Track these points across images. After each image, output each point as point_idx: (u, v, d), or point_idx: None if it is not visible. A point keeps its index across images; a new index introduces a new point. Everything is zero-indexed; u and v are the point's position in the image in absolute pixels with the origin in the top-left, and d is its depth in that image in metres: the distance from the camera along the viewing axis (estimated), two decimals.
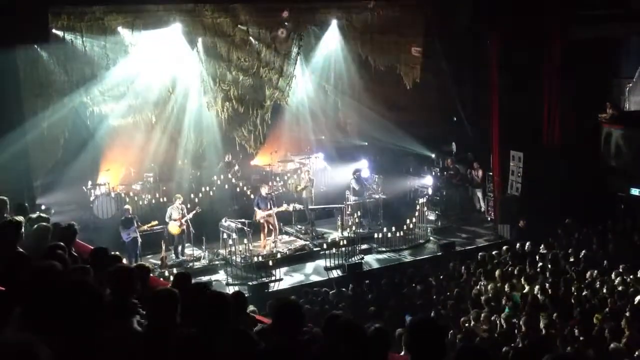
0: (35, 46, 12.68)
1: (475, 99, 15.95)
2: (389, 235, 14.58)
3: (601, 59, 15.43)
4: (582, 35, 14.80)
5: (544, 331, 8.74)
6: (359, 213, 15.24)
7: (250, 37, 14.44)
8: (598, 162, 15.88)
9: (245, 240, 13.47)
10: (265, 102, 15.25)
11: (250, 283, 12.52)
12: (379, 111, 17.56)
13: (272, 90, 15.04)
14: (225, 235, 13.82)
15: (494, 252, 13.09)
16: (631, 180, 15.21)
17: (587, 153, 15.70)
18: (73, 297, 3.31)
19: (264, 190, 14.57)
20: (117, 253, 6.72)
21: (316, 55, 16.11)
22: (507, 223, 15.35)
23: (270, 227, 14.58)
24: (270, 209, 14.35)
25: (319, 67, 16.54)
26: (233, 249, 13.44)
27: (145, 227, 13.78)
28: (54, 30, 12.23)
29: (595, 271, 10.96)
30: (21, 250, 5.39)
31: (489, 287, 10.88)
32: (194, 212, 14.06)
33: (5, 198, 7.73)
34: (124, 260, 6.76)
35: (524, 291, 10.53)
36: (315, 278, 13.28)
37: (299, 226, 15.86)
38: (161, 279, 10.94)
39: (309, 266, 13.90)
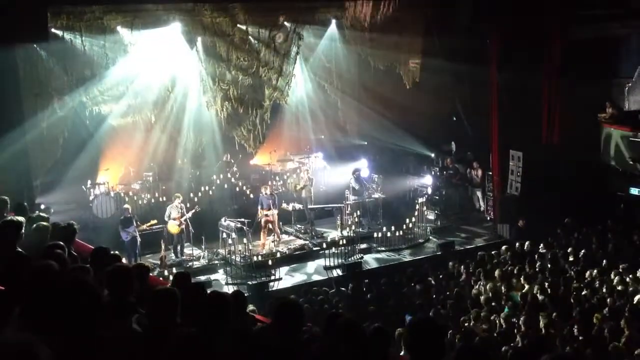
0: (35, 45, 12.66)
1: (474, 99, 15.93)
2: (389, 234, 14.59)
3: (601, 59, 15.42)
4: (582, 35, 14.80)
5: (543, 331, 8.74)
6: (358, 212, 15.25)
7: (250, 37, 14.43)
8: (597, 162, 15.88)
9: (245, 240, 13.46)
10: (265, 102, 15.24)
11: (249, 282, 12.52)
12: (378, 111, 17.56)
13: (272, 90, 15.03)
14: (224, 235, 13.83)
15: (493, 252, 13.09)
16: (630, 180, 15.21)
17: (587, 153, 15.70)
18: (73, 297, 3.31)
19: (265, 190, 14.60)
20: (117, 252, 6.72)
21: (316, 54, 16.10)
22: (507, 223, 15.36)
23: (270, 226, 14.60)
24: (270, 209, 14.38)
25: (318, 66, 16.54)
26: (232, 248, 13.44)
27: (144, 226, 13.78)
28: (53, 30, 12.20)
29: (595, 271, 10.97)
30: (21, 250, 5.39)
31: (488, 286, 10.89)
32: (193, 210, 14.07)
33: (5, 198, 7.73)
34: (124, 260, 6.76)
35: (524, 291, 10.54)
36: (314, 277, 13.29)
37: (299, 226, 15.86)
38: (160, 278, 10.95)
39: (309, 266, 13.91)
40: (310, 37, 15.21)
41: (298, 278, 13.29)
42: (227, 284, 12.74)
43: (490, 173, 16.41)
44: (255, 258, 13.24)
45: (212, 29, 13.99)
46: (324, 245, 14.16)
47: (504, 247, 13.15)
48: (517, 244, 13.27)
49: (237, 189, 16.60)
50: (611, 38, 15.66)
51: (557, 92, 15.18)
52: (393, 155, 18.90)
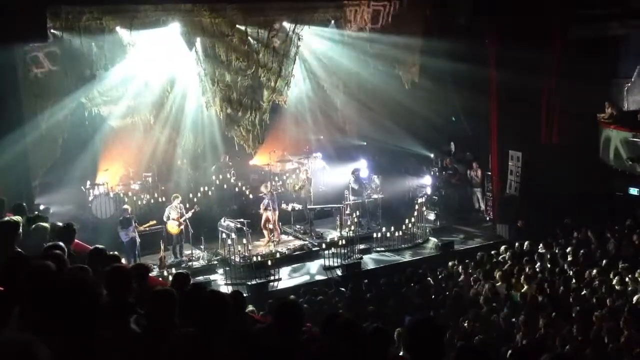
0: (34, 45, 12.66)
1: (474, 99, 15.94)
2: (388, 235, 14.59)
3: (600, 59, 15.43)
4: (582, 35, 14.81)
5: (542, 331, 8.74)
6: (357, 213, 15.25)
7: (249, 37, 14.42)
8: (597, 162, 15.89)
9: (244, 240, 13.46)
10: (264, 102, 15.23)
11: (249, 283, 12.51)
12: (378, 111, 17.56)
13: (271, 91, 15.02)
14: (224, 235, 13.83)
15: (492, 252, 13.09)
16: (630, 180, 15.22)
17: (586, 153, 15.71)
18: (72, 297, 3.31)
19: (265, 189, 14.63)
20: (116, 253, 6.72)
21: (315, 55, 16.09)
22: (506, 223, 15.37)
23: (271, 226, 14.61)
24: (267, 209, 14.40)
25: (317, 67, 16.52)
26: (232, 248, 13.44)
27: (142, 227, 13.76)
28: (52, 30, 12.20)
29: (594, 271, 10.96)
30: (20, 250, 5.39)
31: (487, 286, 10.88)
32: (193, 210, 14.06)
33: (3, 198, 7.73)
34: (123, 260, 6.76)
35: (523, 291, 10.54)
36: (314, 278, 13.29)
37: (298, 226, 15.86)
38: (160, 278, 10.95)
39: (308, 266, 13.91)
40: (309, 38, 15.20)
41: (297, 278, 13.29)
42: (226, 284, 12.73)
43: (490, 173, 16.43)
44: (254, 258, 13.24)
45: (211, 30, 13.97)
46: (324, 246, 14.17)
47: (503, 247, 13.15)
48: (516, 244, 13.27)
49: (237, 189, 16.60)
50: (611, 38, 15.68)
51: (556, 92, 15.19)
52: (392, 156, 18.91)
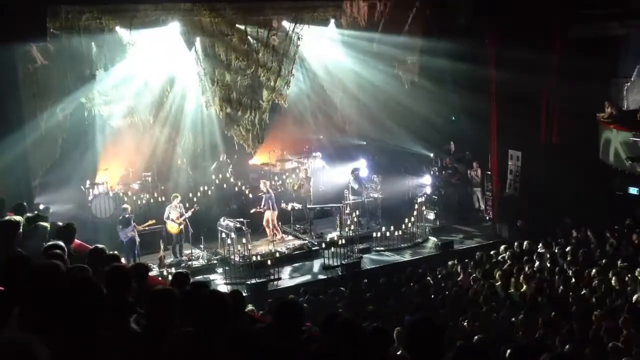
0: (34, 45, 12.66)
1: (474, 99, 15.94)
2: (388, 234, 14.59)
3: (600, 59, 15.43)
4: (582, 34, 14.80)
5: (542, 330, 8.75)
6: (357, 212, 15.25)
7: (249, 37, 14.42)
8: (596, 162, 15.89)
9: (244, 240, 13.47)
10: (264, 102, 15.24)
11: (248, 282, 12.52)
12: (377, 111, 17.56)
13: (270, 90, 15.03)
14: (223, 235, 13.83)
15: (492, 252, 13.11)
16: (629, 180, 15.22)
17: (586, 152, 15.71)
18: (73, 296, 3.31)
19: (264, 188, 14.67)
20: (116, 252, 6.72)
21: (314, 54, 16.09)
22: (506, 222, 15.38)
23: (271, 225, 14.63)
24: (264, 208, 14.43)
25: (317, 66, 16.53)
26: (231, 248, 13.44)
27: (141, 227, 13.75)
28: (52, 30, 12.19)
29: (594, 270, 10.97)
30: (20, 249, 5.39)
31: (487, 286, 10.89)
32: (193, 209, 14.07)
33: (3, 198, 7.73)
34: (123, 260, 6.76)
35: (522, 290, 10.55)
36: (313, 277, 13.29)
37: (298, 225, 15.86)
38: (160, 278, 10.95)
39: (308, 265, 13.91)
40: (309, 37, 15.20)
41: (297, 278, 13.29)
42: (226, 283, 12.73)
43: (489, 173, 16.43)
44: (254, 258, 13.24)
45: (211, 29, 13.98)
46: (323, 245, 14.17)
47: (502, 247, 13.16)
48: (515, 243, 13.28)
49: (236, 188, 16.60)
50: (611, 38, 15.67)
51: (556, 92, 15.19)
52: (392, 155, 18.92)
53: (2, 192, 9.17)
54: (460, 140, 18.04)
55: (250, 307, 8.88)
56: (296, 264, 13.92)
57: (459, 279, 11.95)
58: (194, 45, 14.05)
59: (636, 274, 10.59)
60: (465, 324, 9.27)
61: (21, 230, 6.09)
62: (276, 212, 14.78)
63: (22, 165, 11.94)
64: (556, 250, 12.45)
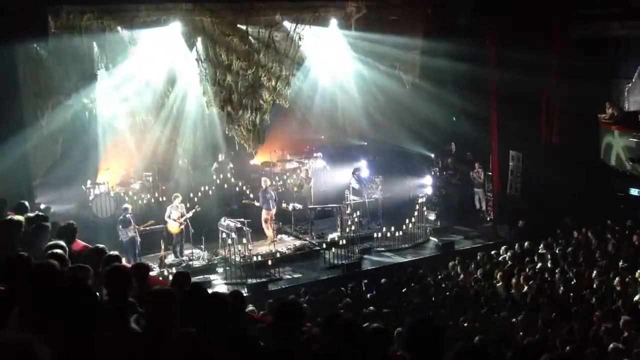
0: (35, 45, 12.66)
1: (474, 99, 15.94)
2: (388, 234, 14.59)
3: (601, 59, 15.43)
4: (582, 34, 14.80)
5: (542, 331, 8.74)
6: (358, 213, 15.24)
7: (250, 37, 14.42)
8: (597, 162, 15.88)
9: (245, 240, 13.47)
10: (265, 102, 15.24)
11: (249, 282, 12.52)
12: (378, 111, 17.56)
13: (271, 90, 15.02)
14: (224, 235, 13.83)
15: (493, 252, 13.11)
16: (630, 180, 15.22)
17: (586, 153, 15.71)
18: (73, 296, 3.31)
19: (263, 185, 14.71)
20: (117, 253, 6.71)
21: (315, 54, 16.07)
22: (506, 223, 15.37)
23: (271, 225, 14.64)
24: (262, 206, 14.45)
25: (317, 66, 16.53)
26: (232, 248, 13.44)
27: (141, 227, 13.75)
28: (53, 30, 12.20)
29: (594, 271, 10.97)
30: (20, 249, 5.39)
31: (487, 286, 10.89)
32: (194, 210, 14.07)
33: (5, 198, 7.74)
34: (123, 260, 6.76)
35: (523, 291, 10.55)
36: (314, 278, 13.28)
37: (299, 225, 15.86)
38: (160, 278, 10.95)
39: (308, 265, 13.90)
40: (310, 37, 15.20)
41: (297, 278, 13.28)
42: (226, 283, 12.73)
43: (490, 173, 16.42)
44: (255, 258, 13.24)
45: (212, 30, 13.98)
46: (324, 245, 14.17)
47: (503, 247, 13.16)
48: (516, 244, 13.27)
49: (237, 188, 16.60)
50: (611, 38, 15.67)
51: (556, 92, 15.19)
52: (393, 156, 18.91)
53: (3, 192, 9.17)
54: (461, 140, 18.03)
55: (250, 307, 8.88)
56: (297, 264, 13.91)
57: (459, 279, 11.95)
58: (195, 45, 14.06)
59: (637, 275, 10.60)
60: (465, 324, 9.27)
61: (23, 230, 6.10)
62: (274, 211, 14.73)
63: (23, 165, 11.95)
64: (557, 251, 12.45)
